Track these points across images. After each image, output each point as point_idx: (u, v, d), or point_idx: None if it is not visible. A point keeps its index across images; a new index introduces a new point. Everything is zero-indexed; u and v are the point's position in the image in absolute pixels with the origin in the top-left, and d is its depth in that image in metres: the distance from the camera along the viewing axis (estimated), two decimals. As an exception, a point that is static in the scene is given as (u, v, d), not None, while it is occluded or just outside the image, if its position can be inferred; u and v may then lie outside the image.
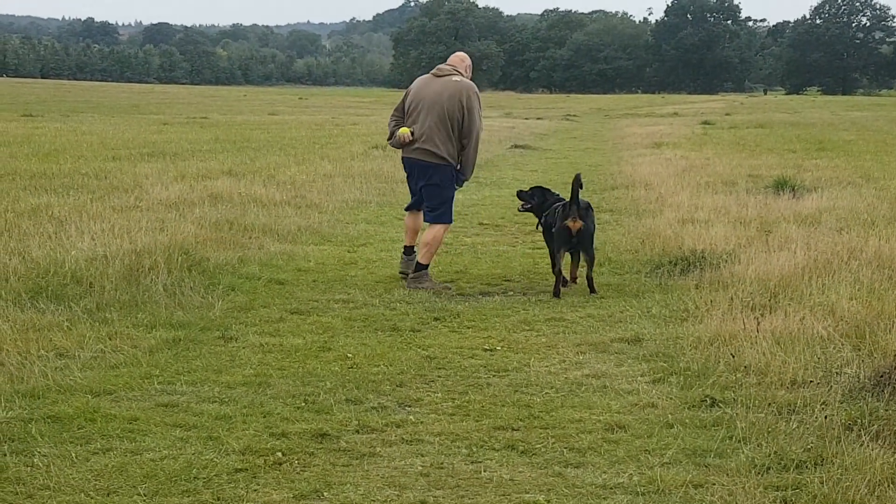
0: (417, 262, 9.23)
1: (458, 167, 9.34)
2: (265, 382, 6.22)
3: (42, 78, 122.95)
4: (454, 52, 10.01)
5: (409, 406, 5.88)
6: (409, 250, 9.61)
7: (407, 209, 9.83)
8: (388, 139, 9.56)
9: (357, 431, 5.42)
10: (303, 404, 5.82)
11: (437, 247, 9.35)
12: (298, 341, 7.21)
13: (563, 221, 8.92)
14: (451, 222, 9.50)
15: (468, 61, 9.62)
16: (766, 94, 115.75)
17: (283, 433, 5.34)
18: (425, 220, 9.55)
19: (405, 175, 9.71)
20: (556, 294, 8.87)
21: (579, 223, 8.88)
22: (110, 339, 7.06)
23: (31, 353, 6.56)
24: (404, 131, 9.22)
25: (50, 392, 5.89)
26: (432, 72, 9.48)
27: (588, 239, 8.98)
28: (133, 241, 9.53)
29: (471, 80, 9.44)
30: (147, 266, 8.72)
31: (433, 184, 9.26)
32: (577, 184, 8.94)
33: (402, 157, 9.51)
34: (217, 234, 10.70)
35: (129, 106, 49.42)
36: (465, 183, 9.69)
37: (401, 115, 9.46)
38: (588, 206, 9.10)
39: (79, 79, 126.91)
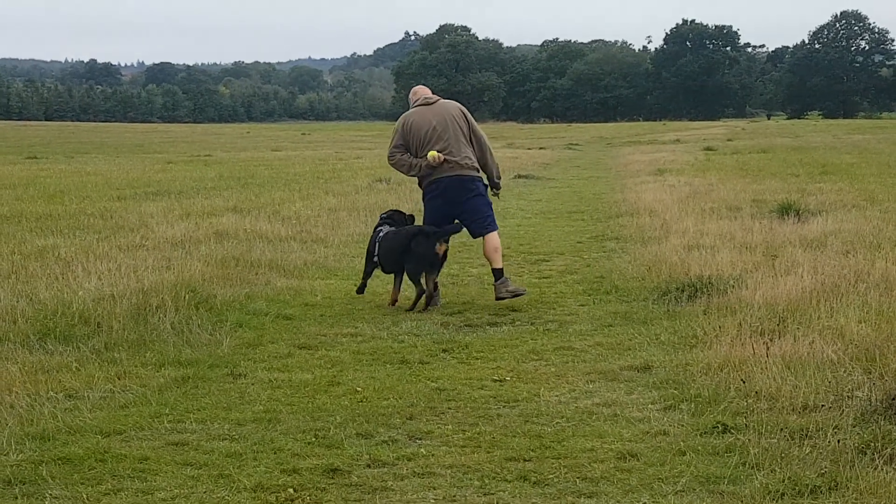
0: (497, 270, 9.64)
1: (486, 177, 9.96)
2: (275, 418, 6.20)
3: (46, 120, 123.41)
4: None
5: (420, 439, 5.86)
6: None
7: None
8: (411, 170, 9.75)
9: (368, 466, 5.40)
10: (313, 439, 5.80)
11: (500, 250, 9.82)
12: (307, 376, 7.20)
13: (433, 246, 9.43)
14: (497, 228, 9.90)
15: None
16: (769, 118, 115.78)
17: (295, 469, 5.33)
18: (476, 235, 9.85)
19: (434, 204, 9.75)
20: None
21: (445, 246, 9.55)
22: (119, 378, 7.06)
23: (41, 394, 6.56)
24: (434, 154, 9.51)
25: (60, 433, 5.88)
26: (420, 104, 9.87)
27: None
28: (140, 280, 9.54)
29: None
30: (154, 305, 8.72)
31: (479, 194, 9.71)
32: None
33: (436, 180, 9.66)
34: (223, 271, 10.70)
35: (133, 145, 49.62)
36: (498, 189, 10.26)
37: (405, 149, 9.73)
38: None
39: (82, 120, 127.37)
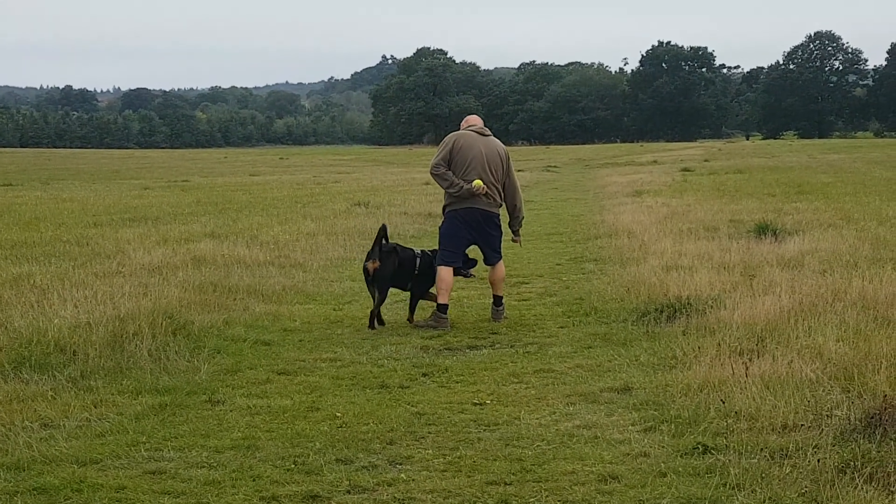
0: (498, 297, 10.34)
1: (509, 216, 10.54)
2: (254, 445, 6.16)
3: (21, 147, 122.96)
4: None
5: (400, 464, 5.83)
6: (444, 308, 10.04)
7: (448, 264, 10.19)
8: (451, 187, 10.08)
9: (348, 492, 5.37)
10: (292, 466, 5.76)
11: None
12: (286, 402, 7.15)
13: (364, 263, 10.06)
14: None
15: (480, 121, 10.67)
16: (748, 139, 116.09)
17: (274, 496, 5.29)
18: (490, 263, 10.42)
19: (456, 228, 10.18)
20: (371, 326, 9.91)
21: (377, 264, 9.89)
22: (95, 407, 7.00)
23: (16, 424, 6.49)
24: (479, 184, 10.00)
25: (35, 463, 5.82)
26: (475, 129, 10.36)
27: (381, 279, 9.97)
28: (116, 307, 9.47)
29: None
30: (131, 332, 8.66)
31: (498, 226, 10.33)
32: (381, 232, 10.07)
33: (465, 209, 10.15)
34: (201, 297, 10.65)
35: (109, 172, 49.42)
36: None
37: (448, 164, 10.14)
38: (391, 250, 10.11)
39: (58, 146, 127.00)
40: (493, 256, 10.41)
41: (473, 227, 10.21)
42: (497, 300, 10.37)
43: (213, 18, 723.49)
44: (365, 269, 10.03)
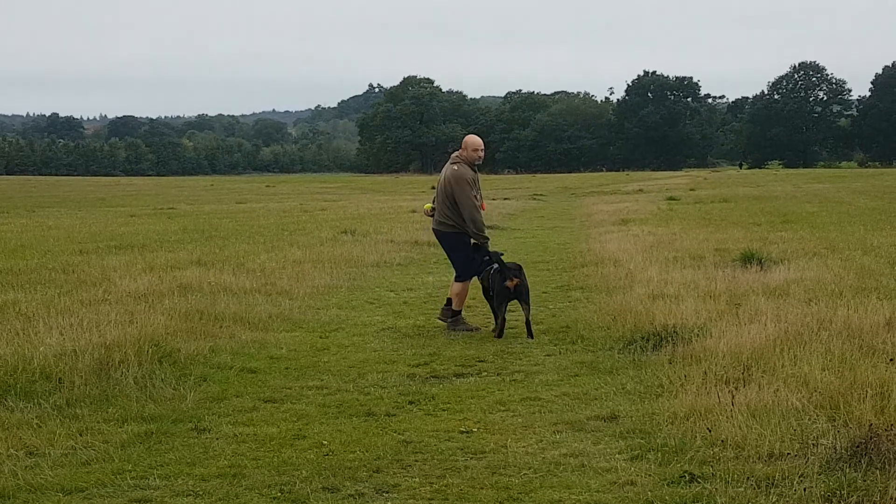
0: (452, 310, 11.31)
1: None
2: (240, 473, 6.14)
3: (7, 174, 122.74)
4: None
5: (387, 492, 5.82)
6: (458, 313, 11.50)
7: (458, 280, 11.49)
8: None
9: (335, 520, 5.35)
10: (279, 494, 5.75)
11: (463, 297, 11.40)
12: (272, 430, 7.14)
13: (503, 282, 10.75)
14: (468, 279, 11.39)
15: (466, 140, 11.52)
16: (741, 168, 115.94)
17: (260, 525, 5.26)
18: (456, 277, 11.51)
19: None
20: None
21: (516, 280, 10.77)
22: (81, 435, 6.97)
23: (1, 452, 6.46)
24: (427, 207, 11.67)
25: (20, 492, 5.79)
26: (450, 159, 11.57)
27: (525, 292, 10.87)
28: (102, 335, 9.44)
29: (464, 156, 11.35)
30: (117, 359, 8.63)
31: (449, 247, 11.50)
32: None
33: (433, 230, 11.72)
34: (187, 325, 10.63)
35: (95, 199, 49.35)
36: (483, 240, 11.33)
37: None
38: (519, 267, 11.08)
39: (44, 174, 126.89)
40: (456, 271, 11.46)
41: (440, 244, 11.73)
42: (452, 312, 11.29)
43: (200, 46, 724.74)
44: (506, 288, 10.69)
